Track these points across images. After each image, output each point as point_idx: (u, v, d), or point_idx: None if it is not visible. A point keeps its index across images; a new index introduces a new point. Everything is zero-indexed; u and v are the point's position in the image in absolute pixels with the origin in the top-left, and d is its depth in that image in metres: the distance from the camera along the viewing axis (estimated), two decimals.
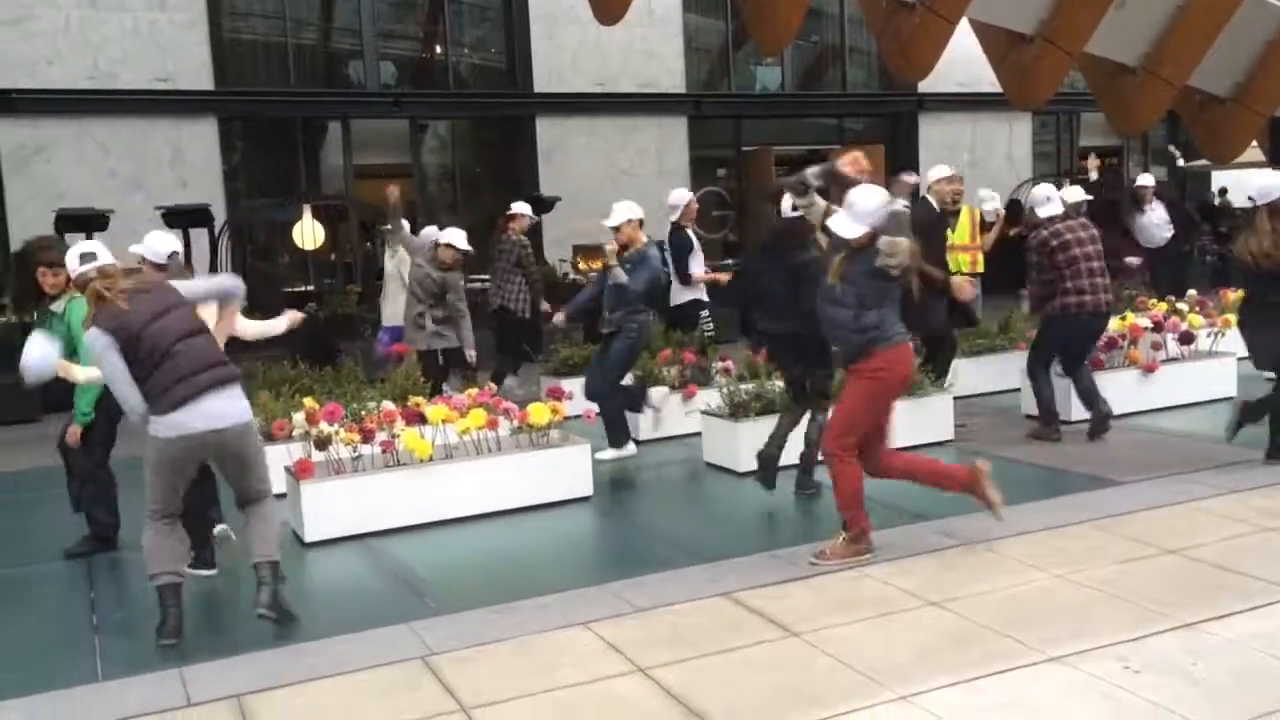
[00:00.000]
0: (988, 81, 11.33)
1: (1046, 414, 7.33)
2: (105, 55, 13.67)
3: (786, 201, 5.76)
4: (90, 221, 11.49)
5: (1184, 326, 8.28)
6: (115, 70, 13.72)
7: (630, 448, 7.45)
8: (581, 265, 13.70)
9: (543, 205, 14.48)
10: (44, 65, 13.41)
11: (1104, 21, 9.94)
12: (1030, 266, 7.25)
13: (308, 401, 6.43)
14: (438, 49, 16.24)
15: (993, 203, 9.79)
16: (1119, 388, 7.75)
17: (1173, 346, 8.21)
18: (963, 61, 11.35)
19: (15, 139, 13.32)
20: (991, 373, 8.71)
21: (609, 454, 7.29)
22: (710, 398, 7.35)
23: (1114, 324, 7.97)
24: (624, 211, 7.28)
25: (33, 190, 13.10)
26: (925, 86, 15.68)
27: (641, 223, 7.33)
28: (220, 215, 13.26)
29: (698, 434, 7.32)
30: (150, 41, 13.85)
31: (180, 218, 12.19)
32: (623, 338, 7.28)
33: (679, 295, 8.84)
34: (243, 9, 15.01)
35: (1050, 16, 9.60)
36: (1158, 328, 8.17)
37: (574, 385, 7.73)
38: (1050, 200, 7.23)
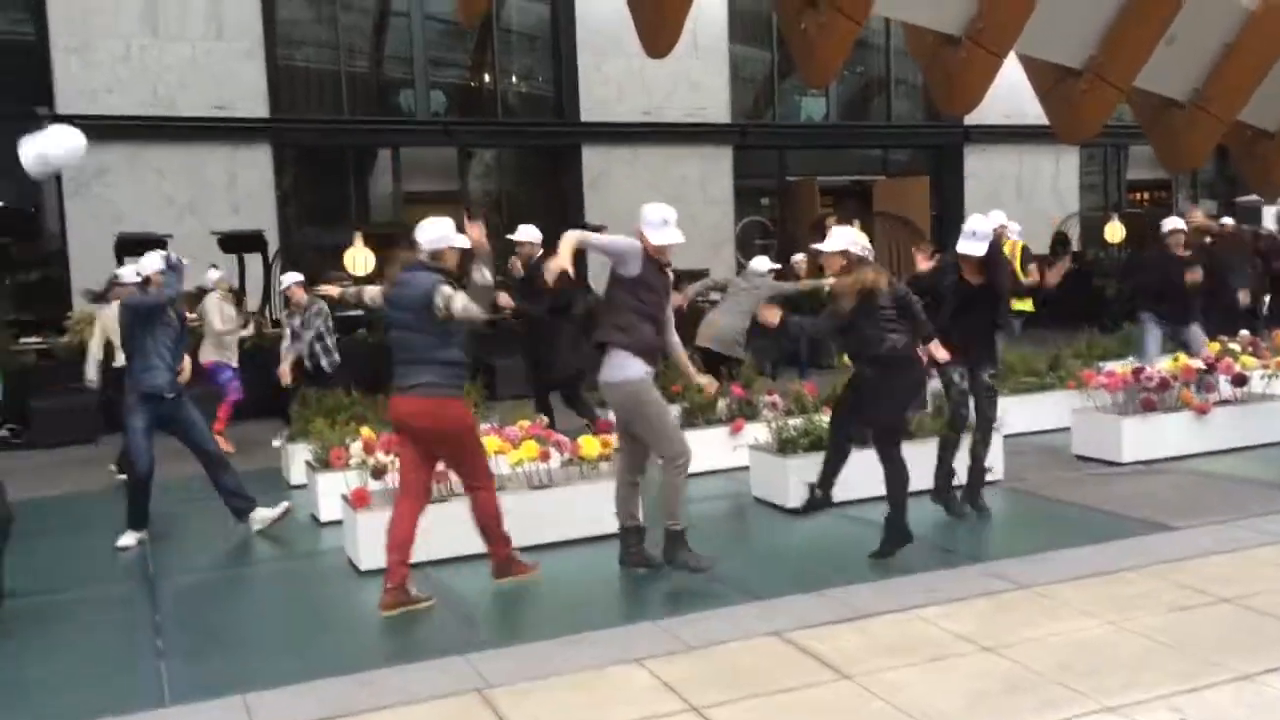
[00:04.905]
0: (1034, 113, 11.34)
1: None
2: (164, 83, 14.01)
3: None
4: (149, 245, 11.72)
5: (1237, 368, 8.21)
6: (173, 97, 14.05)
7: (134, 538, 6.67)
8: None
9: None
10: (104, 93, 13.77)
11: (1153, 57, 9.93)
12: None
13: (364, 431, 6.55)
14: (486, 78, 16.49)
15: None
16: (1171, 430, 7.71)
17: (1225, 388, 8.14)
18: (1008, 91, 11.35)
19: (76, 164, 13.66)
20: (1039, 411, 8.68)
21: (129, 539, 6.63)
22: (758, 432, 7.39)
23: (1165, 365, 7.94)
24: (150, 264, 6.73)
25: (93, 213, 13.43)
26: (971, 118, 15.66)
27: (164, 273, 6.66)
28: (273, 241, 13.51)
29: (745, 468, 7.35)
30: (207, 70, 14.18)
31: (235, 243, 12.44)
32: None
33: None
34: (298, 38, 15.33)
35: (1099, 52, 9.59)
36: (1210, 369, 8.11)
37: None
38: None
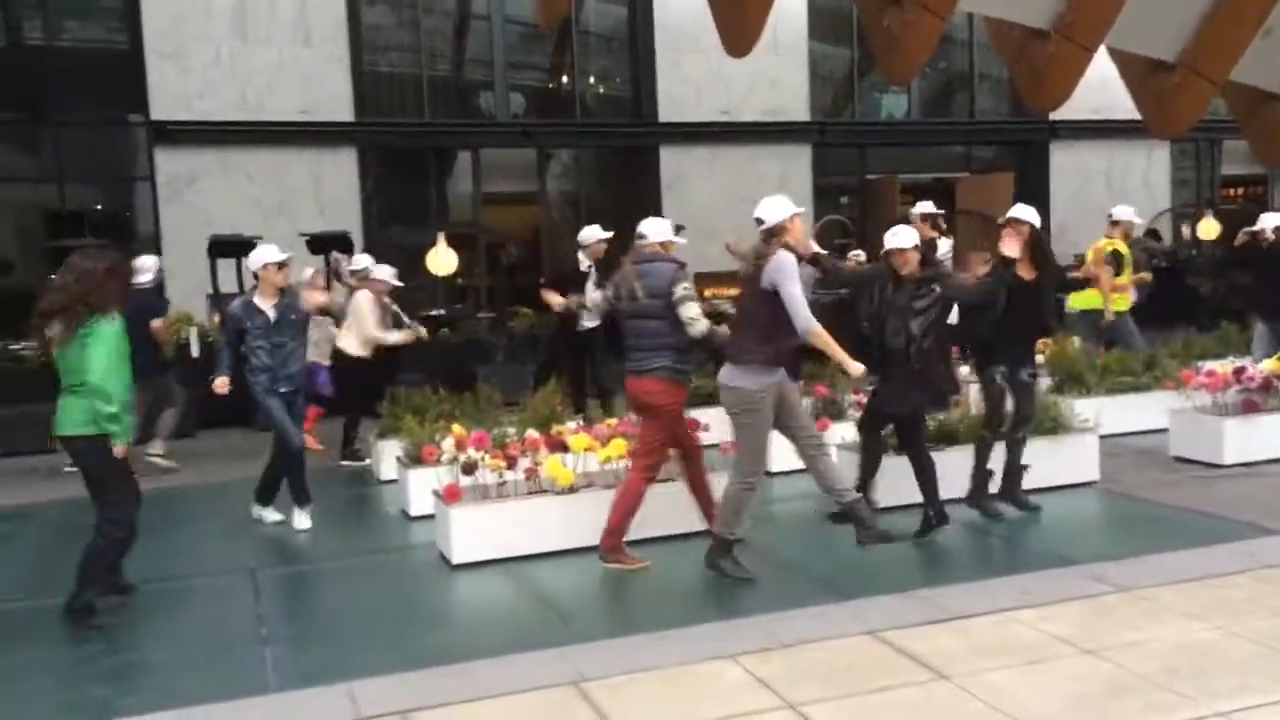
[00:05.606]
0: (1123, 108, 11.09)
1: None
2: (252, 87, 14.32)
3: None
4: (241, 247, 12.05)
5: None
6: (262, 102, 14.38)
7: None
8: (706, 293, 13.77)
9: None
10: (196, 98, 14.13)
11: (1249, 49, 9.64)
12: None
13: (455, 428, 6.65)
14: (565, 80, 16.58)
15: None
16: (1275, 431, 7.49)
17: None
18: (1097, 85, 11.12)
19: (170, 169, 14.06)
20: (1135, 412, 8.47)
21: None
22: (844, 431, 7.34)
23: (1268, 364, 7.71)
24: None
25: (186, 217, 13.79)
26: (1057, 113, 15.35)
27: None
28: (358, 242, 13.75)
29: None
30: (295, 75, 14.46)
31: (323, 244, 12.69)
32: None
33: None
34: (381, 43, 15.59)
35: (1193, 44, 9.34)
36: None
37: (709, 415, 7.78)
38: None
